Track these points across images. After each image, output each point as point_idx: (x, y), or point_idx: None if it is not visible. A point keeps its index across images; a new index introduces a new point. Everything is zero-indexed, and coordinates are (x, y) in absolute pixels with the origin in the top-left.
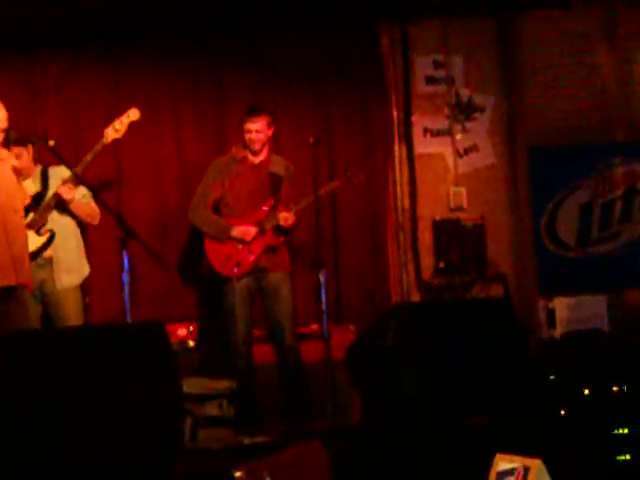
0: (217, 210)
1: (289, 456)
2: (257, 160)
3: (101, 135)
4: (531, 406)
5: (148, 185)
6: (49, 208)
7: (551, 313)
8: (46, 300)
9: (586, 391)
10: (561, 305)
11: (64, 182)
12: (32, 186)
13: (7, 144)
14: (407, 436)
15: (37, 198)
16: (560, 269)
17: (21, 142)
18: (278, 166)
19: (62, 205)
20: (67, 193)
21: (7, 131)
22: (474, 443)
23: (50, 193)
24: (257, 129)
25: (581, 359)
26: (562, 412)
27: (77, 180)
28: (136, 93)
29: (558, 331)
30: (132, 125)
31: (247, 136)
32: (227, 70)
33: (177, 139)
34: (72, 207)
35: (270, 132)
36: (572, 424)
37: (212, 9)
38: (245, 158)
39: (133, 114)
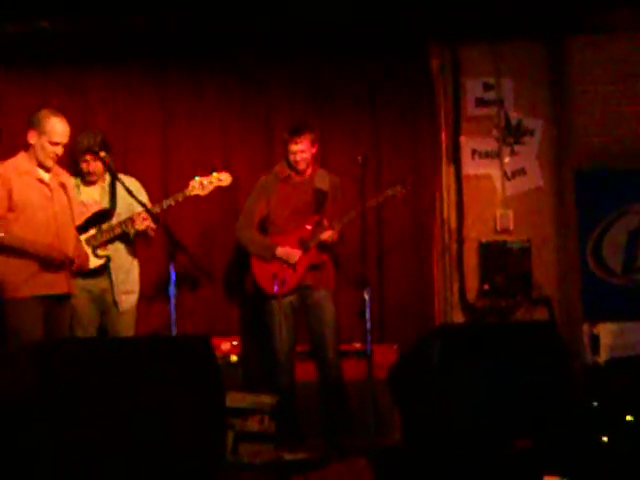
0: (263, 228)
1: (334, 472)
2: (302, 178)
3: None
4: (573, 432)
5: (194, 201)
6: (112, 232)
7: (595, 339)
8: (104, 313)
9: (629, 417)
10: (605, 331)
11: (139, 214)
12: (98, 195)
13: (80, 151)
14: (449, 458)
15: (102, 215)
16: (605, 295)
17: (91, 150)
18: (323, 181)
19: (127, 235)
20: (141, 224)
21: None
22: (517, 467)
23: (118, 211)
24: (301, 149)
25: (624, 386)
26: (604, 438)
27: (153, 217)
28: (183, 110)
29: (602, 357)
30: (180, 139)
31: (292, 157)
32: (276, 89)
33: (225, 155)
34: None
35: (314, 150)
36: (614, 451)
37: (263, 29)
38: (290, 176)
39: (225, 179)
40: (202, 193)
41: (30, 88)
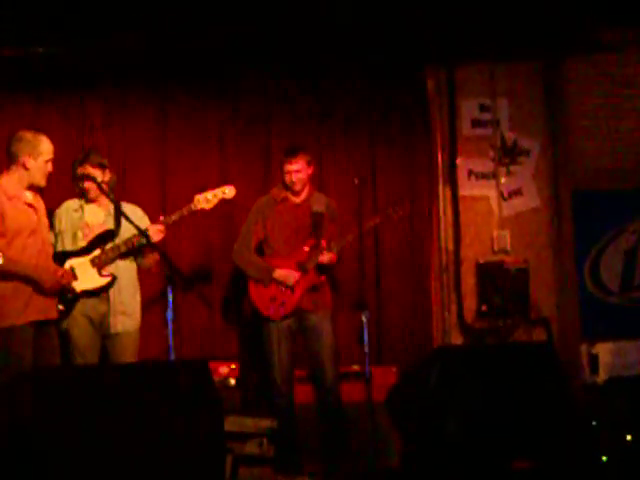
0: (260, 250)
1: None
2: (298, 200)
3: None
4: (573, 451)
5: (192, 223)
6: (117, 251)
7: (594, 358)
8: (105, 338)
9: (628, 437)
10: (604, 350)
11: (152, 226)
12: (102, 218)
13: (84, 162)
14: (448, 478)
15: (107, 235)
16: (603, 314)
17: (94, 162)
18: (319, 204)
19: (132, 252)
20: (158, 235)
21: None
22: None
23: (122, 233)
24: (296, 170)
25: (624, 405)
26: (604, 458)
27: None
28: (181, 131)
29: (601, 377)
30: (177, 160)
31: (287, 177)
32: (274, 111)
33: (222, 177)
34: (147, 252)
35: (310, 171)
36: (614, 470)
37: (260, 48)
38: (286, 198)
39: (229, 192)
40: (207, 207)
41: (24, 112)
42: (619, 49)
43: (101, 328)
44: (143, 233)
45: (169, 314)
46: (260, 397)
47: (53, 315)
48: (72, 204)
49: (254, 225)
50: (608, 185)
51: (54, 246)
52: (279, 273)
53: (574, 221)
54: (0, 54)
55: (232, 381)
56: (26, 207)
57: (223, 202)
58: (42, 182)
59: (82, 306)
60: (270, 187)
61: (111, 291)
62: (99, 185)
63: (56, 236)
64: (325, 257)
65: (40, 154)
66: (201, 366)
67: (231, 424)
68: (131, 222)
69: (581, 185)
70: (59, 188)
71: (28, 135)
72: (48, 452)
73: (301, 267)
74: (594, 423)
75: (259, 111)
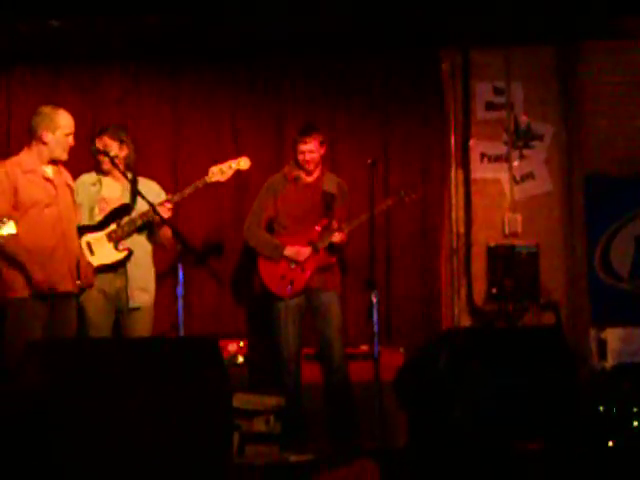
0: (271, 229)
1: (343, 474)
2: (310, 179)
3: (165, 151)
4: (580, 436)
5: (204, 200)
6: (133, 225)
7: (602, 344)
8: (119, 312)
9: (635, 423)
10: (613, 336)
11: (164, 202)
12: (119, 192)
13: (100, 133)
14: (455, 461)
15: (123, 209)
16: (613, 300)
17: (113, 135)
18: (331, 184)
19: (148, 226)
20: (166, 212)
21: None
22: (523, 468)
23: (138, 208)
24: (310, 150)
25: (631, 391)
26: (610, 443)
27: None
28: (194, 109)
29: (609, 362)
30: (190, 135)
31: (300, 157)
32: (287, 90)
33: (235, 152)
34: (162, 229)
35: (323, 151)
36: (620, 455)
37: (275, 31)
38: (298, 177)
39: (244, 163)
40: (222, 179)
41: (41, 87)
42: (635, 36)
43: (117, 303)
44: (154, 208)
45: (179, 290)
46: (268, 375)
47: (67, 287)
48: (89, 178)
49: (265, 203)
50: (621, 171)
51: None
52: (290, 250)
53: (586, 206)
54: (17, 29)
55: (240, 358)
56: (43, 181)
57: (238, 173)
58: (63, 156)
59: (98, 281)
60: (283, 162)
61: (128, 265)
62: (111, 159)
63: None
64: (337, 237)
65: (58, 127)
66: (210, 343)
67: (239, 401)
68: (143, 197)
69: (594, 170)
70: (73, 162)
71: (46, 109)
72: (55, 424)
73: (312, 246)
74: (601, 408)
75: (273, 91)
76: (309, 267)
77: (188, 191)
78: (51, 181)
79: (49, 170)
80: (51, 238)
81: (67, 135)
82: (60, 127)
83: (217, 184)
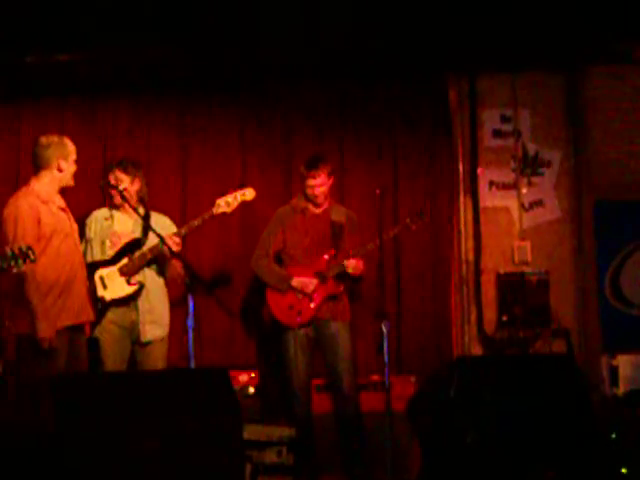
0: (279, 259)
1: None
2: (318, 210)
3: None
4: (593, 464)
5: (213, 232)
6: (144, 259)
7: (614, 370)
8: (135, 344)
9: None
10: (625, 363)
11: (172, 235)
12: (131, 226)
13: (112, 167)
14: None
15: (135, 244)
16: (624, 326)
17: (125, 169)
18: (339, 214)
19: (159, 259)
20: (175, 245)
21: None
22: None
23: (149, 242)
24: (319, 184)
25: None
26: (623, 470)
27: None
28: (203, 139)
29: (621, 389)
30: (198, 168)
31: (309, 192)
32: (295, 120)
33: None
34: (172, 262)
35: (331, 182)
36: None
37: (283, 60)
38: (306, 209)
39: (249, 194)
40: (228, 210)
41: (48, 119)
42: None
43: (132, 336)
44: (163, 241)
45: (190, 321)
46: (279, 405)
47: (90, 317)
48: (103, 213)
49: (273, 234)
50: (630, 196)
51: (84, 255)
52: (297, 281)
53: (595, 232)
54: (24, 62)
55: (251, 389)
56: (59, 211)
57: (245, 205)
58: (71, 182)
59: (112, 314)
60: (291, 192)
61: (139, 300)
62: (121, 192)
63: (86, 244)
64: (353, 266)
65: (70, 154)
66: (221, 374)
67: (250, 432)
68: (152, 230)
69: (603, 196)
70: (82, 194)
71: (55, 139)
72: (67, 455)
73: (320, 276)
74: (614, 436)
75: (281, 119)
76: (317, 297)
77: (196, 223)
78: (66, 211)
79: (61, 199)
80: (71, 268)
81: (75, 161)
82: (71, 154)
83: (224, 215)
